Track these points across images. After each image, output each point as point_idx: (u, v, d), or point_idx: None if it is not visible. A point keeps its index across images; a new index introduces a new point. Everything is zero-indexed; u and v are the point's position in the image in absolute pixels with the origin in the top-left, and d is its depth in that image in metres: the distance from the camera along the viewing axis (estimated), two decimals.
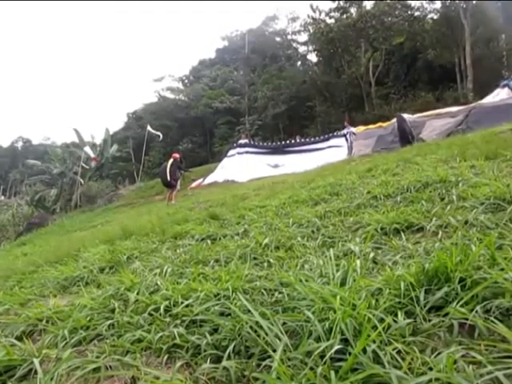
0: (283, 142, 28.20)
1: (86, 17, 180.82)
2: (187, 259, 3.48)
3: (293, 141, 27.42)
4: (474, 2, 36.92)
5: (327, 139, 24.28)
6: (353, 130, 21.94)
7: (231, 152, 26.99)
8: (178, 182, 16.91)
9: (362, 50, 43.55)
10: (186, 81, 70.38)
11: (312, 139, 26.32)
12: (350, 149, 20.04)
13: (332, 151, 21.38)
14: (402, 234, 2.99)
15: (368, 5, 42.41)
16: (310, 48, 49.88)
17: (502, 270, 1.80)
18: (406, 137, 14.52)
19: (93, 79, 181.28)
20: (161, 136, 34.06)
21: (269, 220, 4.55)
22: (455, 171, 4.60)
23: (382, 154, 12.49)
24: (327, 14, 43.44)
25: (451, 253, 1.94)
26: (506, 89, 19.77)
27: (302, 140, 27.07)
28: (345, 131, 22.70)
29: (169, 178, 15.88)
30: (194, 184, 23.75)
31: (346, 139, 21.55)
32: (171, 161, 16.34)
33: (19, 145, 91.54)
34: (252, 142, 28.83)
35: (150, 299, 2.37)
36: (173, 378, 1.57)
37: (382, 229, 3.17)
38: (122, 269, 3.43)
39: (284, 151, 25.32)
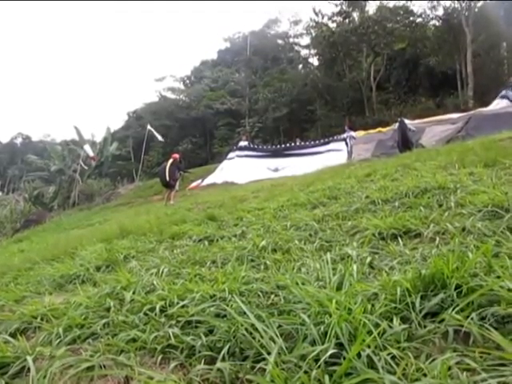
0: (283, 146, 28.13)
1: (88, 15, 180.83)
2: (184, 260, 3.48)
3: (292, 144, 27.34)
4: (476, 9, 37.04)
5: (327, 143, 24.22)
6: (353, 134, 21.90)
7: (231, 155, 26.97)
8: (177, 183, 16.87)
9: (363, 55, 43.57)
10: (187, 81, 70.32)
11: (312, 143, 26.24)
12: (350, 153, 20.04)
13: (332, 155, 21.33)
14: (400, 239, 2.99)
15: (370, 10, 42.60)
16: (312, 51, 49.99)
17: (499, 277, 1.81)
18: (407, 143, 14.55)
19: (94, 77, 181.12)
20: (160, 138, 33.97)
21: (267, 222, 4.55)
22: (454, 178, 4.61)
23: (382, 158, 12.52)
24: (330, 18, 43.51)
25: (448, 259, 1.95)
26: (505, 100, 19.89)
27: (302, 143, 26.97)
28: (345, 135, 22.63)
29: (168, 178, 15.81)
30: (192, 185, 23.71)
31: (346, 143, 21.50)
32: (171, 161, 16.26)
33: (18, 141, 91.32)
34: (252, 146, 28.72)
35: (146, 299, 2.37)
36: (167, 379, 1.57)
37: (379, 234, 3.18)
38: (119, 268, 3.43)
39: (284, 154, 25.24)
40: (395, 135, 16.73)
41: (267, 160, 24.69)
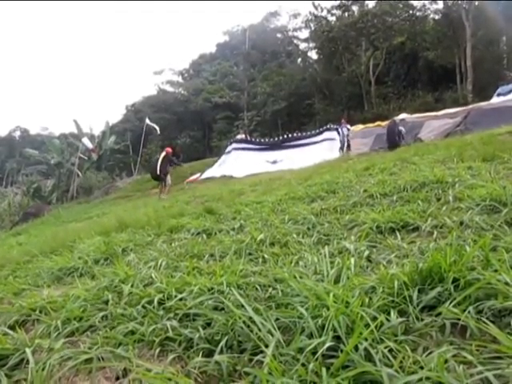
0: (279, 138, 27.90)
1: (87, 8, 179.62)
2: (182, 253, 3.49)
3: (290, 135, 27.12)
4: (476, 3, 36.91)
5: (321, 132, 24.26)
6: (348, 126, 21.90)
7: (228, 148, 26.95)
8: (168, 177, 16.67)
9: (362, 49, 43.44)
10: (186, 75, 70.16)
11: (308, 133, 26.14)
12: (343, 142, 19.92)
13: (326, 144, 21.54)
14: (398, 233, 3.00)
15: (370, 4, 42.44)
16: (311, 45, 49.79)
17: (496, 271, 1.81)
18: (394, 141, 14.62)
19: (92, 70, 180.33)
20: (158, 129, 33.89)
21: (265, 216, 4.55)
22: (452, 172, 4.61)
23: (380, 152, 12.54)
24: (329, 12, 43.37)
25: (446, 253, 1.95)
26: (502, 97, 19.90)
27: (298, 134, 26.82)
28: (339, 127, 22.64)
29: (158, 171, 15.77)
30: (191, 178, 23.68)
31: (338, 132, 21.52)
32: (163, 154, 16.21)
33: (17, 134, 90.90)
34: (248, 139, 28.66)
35: (144, 292, 2.37)
36: (165, 371, 1.57)
37: (377, 227, 3.18)
38: (117, 261, 3.42)
39: (280, 146, 25.22)
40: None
41: (264, 153, 24.67)
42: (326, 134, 23.39)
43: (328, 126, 24.40)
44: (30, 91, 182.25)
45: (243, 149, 25.65)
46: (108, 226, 6.20)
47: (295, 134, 26.99)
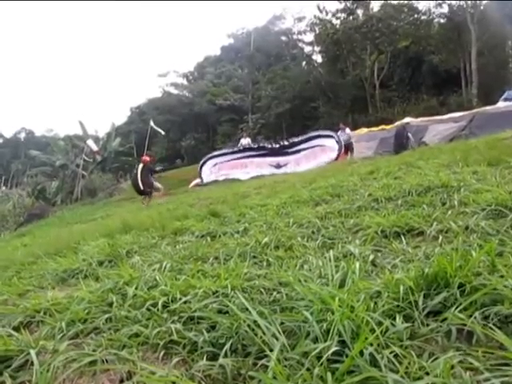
0: (275, 145, 25.62)
1: (92, 10, 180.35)
2: (186, 255, 3.48)
3: (281, 143, 25.18)
4: (482, 7, 36.87)
5: (316, 137, 22.82)
6: (347, 130, 20.95)
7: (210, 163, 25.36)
8: (157, 184, 15.53)
9: (367, 52, 43.46)
10: (191, 77, 70.36)
11: (300, 139, 24.27)
12: (339, 142, 19.36)
13: (320, 149, 20.80)
14: (403, 237, 2.98)
15: (375, 7, 42.50)
16: (316, 48, 49.88)
17: (502, 276, 1.80)
18: (401, 146, 14.62)
19: (98, 73, 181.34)
20: (162, 133, 33.91)
21: (269, 219, 4.54)
22: (457, 176, 4.59)
23: (385, 156, 12.53)
24: (334, 15, 43.43)
25: (451, 258, 1.94)
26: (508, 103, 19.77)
27: (292, 141, 24.73)
28: (338, 133, 21.39)
29: (141, 185, 14.53)
30: (194, 182, 23.64)
31: (337, 141, 20.27)
32: (141, 165, 14.89)
33: (22, 136, 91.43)
34: (234, 149, 26.41)
35: (149, 294, 2.37)
36: (169, 374, 1.56)
37: (382, 231, 3.17)
38: (121, 263, 3.43)
39: (278, 154, 23.78)
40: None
41: (265, 159, 23.77)
42: (321, 140, 22.01)
43: (319, 133, 22.98)
44: (35, 93, 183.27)
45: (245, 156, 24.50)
46: (112, 228, 6.20)
47: (289, 141, 24.94)
